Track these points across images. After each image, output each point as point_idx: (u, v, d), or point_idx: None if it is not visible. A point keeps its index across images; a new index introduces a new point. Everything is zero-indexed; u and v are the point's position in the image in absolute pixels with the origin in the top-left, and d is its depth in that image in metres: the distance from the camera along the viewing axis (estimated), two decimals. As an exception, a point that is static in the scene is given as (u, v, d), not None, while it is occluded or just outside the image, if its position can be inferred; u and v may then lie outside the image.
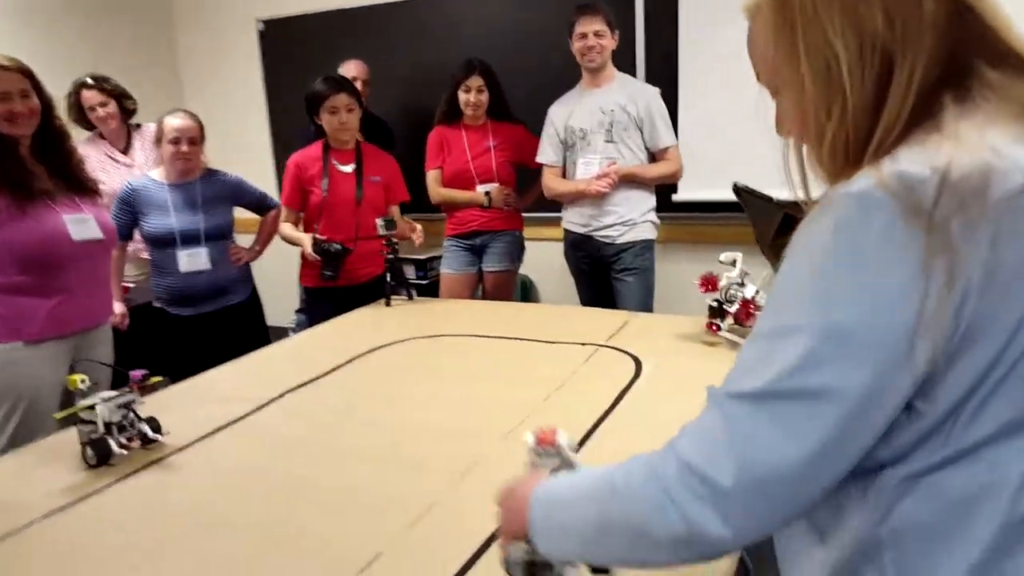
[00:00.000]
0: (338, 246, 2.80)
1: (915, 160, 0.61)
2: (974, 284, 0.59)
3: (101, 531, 1.29)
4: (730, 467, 0.62)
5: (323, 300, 2.96)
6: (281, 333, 3.05)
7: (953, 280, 0.58)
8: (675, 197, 3.54)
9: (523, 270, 3.56)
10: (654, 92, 2.98)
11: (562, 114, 3.03)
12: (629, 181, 2.92)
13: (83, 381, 1.53)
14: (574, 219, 3.07)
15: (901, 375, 0.60)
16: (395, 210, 3.06)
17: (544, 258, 3.82)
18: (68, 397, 2.17)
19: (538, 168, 3.14)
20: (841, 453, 0.62)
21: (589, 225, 3.01)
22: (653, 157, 2.98)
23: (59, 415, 1.56)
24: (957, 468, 0.63)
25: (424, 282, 3.92)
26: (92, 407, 1.51)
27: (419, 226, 2.91)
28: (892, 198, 0.59)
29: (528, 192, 3.34)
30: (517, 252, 3.36)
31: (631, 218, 2.95)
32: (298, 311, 3.97)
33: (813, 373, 0.60)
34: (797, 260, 0.65)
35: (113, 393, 1.55)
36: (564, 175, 3.08)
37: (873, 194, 0.60)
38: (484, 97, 3.16)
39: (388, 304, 2.80)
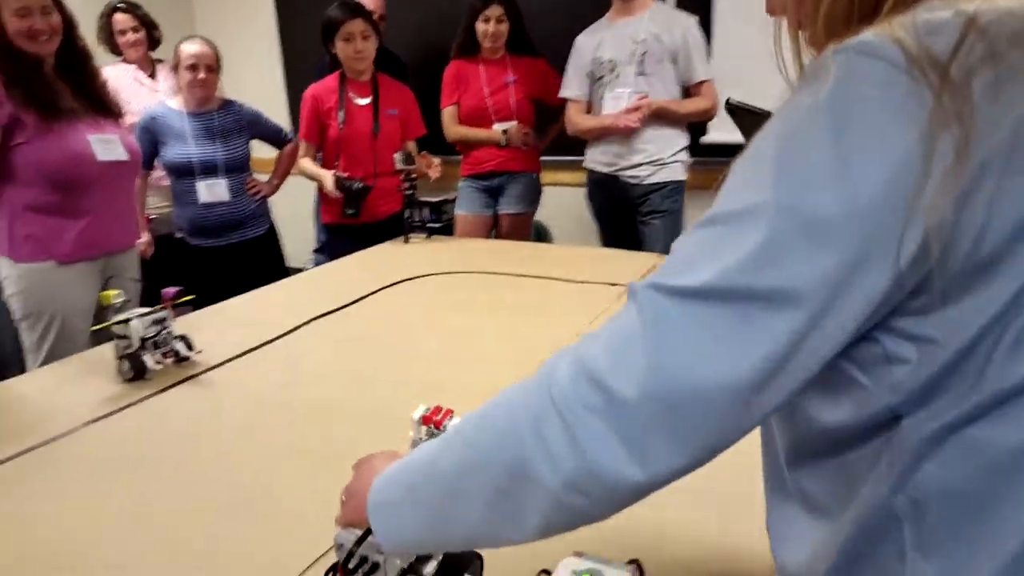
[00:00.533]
0: (360, 183, 2.78)
1: (934, 7, 0.48)
2: (993, 168, 0.45)
3: (138, 440, 1.30)
4: (638, 374, 0.48)
5: (342, 237, 2.95)
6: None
7: (964, 158, 0.45)
8: (704, 139, 3.33)
9: (538, 216, 3.51)
10: (691, 21, 2.76)
11: (590, 44, 2.86)
12: (660, 117, 2.76)
13: (117, 296, 1.54)
14: (599, 158, 2.94)
15: (877, 279, 0.47)
16: (411, 145, 3.01)
17: (560, 204, 3.79)
18: (99, 318, 2.20)
19: (559, 106, 3.08)
20: (786, 373, 0.48)
21: (615, 164, 2.87)
22: (687, 92, 2.82)
23: (95, 327, 1.57)
24: (998, 419, 0.48)
25: (437, 225, 3.89)
26: (127, 322, 1.51)
27: (436, 160, 2.87)
28: (894, 45, 0.46)
29: (547, 131, 3.28)
30: (534, 194, 3.31)
31: (660, 157, 2.79)
32: (316, 251, 3.95)
33: (768, 269, 0.47)
34: (766, 131, 0.51)
35: (147, 309, 1.55)
36: (589, 111, 2.94)
37: (871, 43, 0.47)
38: (504, 28, 3.04)
39: (407, 241, 2.79)
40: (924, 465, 0.50)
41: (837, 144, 0.46)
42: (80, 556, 0.98)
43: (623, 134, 2.78)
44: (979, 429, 0.49)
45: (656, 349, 0.48)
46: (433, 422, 0.83)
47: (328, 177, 2.81)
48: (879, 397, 0.51)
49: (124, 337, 1.53)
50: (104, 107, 2.21)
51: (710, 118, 2.93)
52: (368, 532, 0.66)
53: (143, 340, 1.53)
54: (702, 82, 2.77)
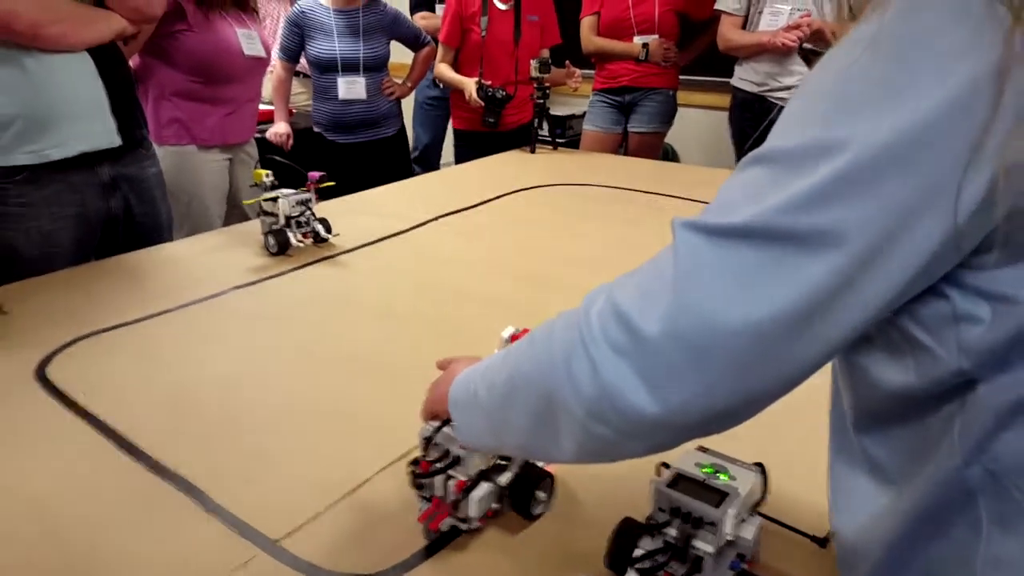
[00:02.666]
0: (503, 92, 2.79)
1: None
2: None
3: (280, 306, 1.41)
4: (663, 313, 0.47)
5: (470, 144, 2.99)
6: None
7: None
8: None
9: (668, 137, 3.42)
10: None
11: None
12: (820, 39, 2.58)
13: (267, 175, 1.63)
14: (748, 76, 2.81)
15: (931, 227, 0.42)
16: (546, 53, 2.97)
17: (691, 126, 3.69)
18: (231, 199, 2.34)
19: (704, 21, 2.96)
20: (822, 322, 0.45)
21: (765, 84, 2.74)
22: (853, 15, 2.66)
23: (248, 202, 1.68)
24: None
25: (561, 141, 3.86)
26: (275, 200, 1.61)
27: (577, 70, 2.83)
28: None
29: (689, 48, 3.17)
30: (668, 113, 3.22)
31: None
32: (413, 160, 3.94)
33: (809, 210, 0.43)
34: (824, 64, 0.48)
35: (293, 190, 1.64)
36: (744, 27, 2.81)
37: None
38: None
39: (533, 151, 2.80)
40: (1003, 435, 0.45)
41: (893, 78, 0.42)
42: (219, 398, 1.09)
43: (778, 53, 2.64)
44: None
45: (683, 289, 0.47)
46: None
47: (471, 85, 2.83)
48: (948, 360, 0.46)
49: (271, 214, 1.63)
50: (244, 3, 2.30)
51: None
52: (446, 422, 0.72)
53: (288, 218, 1.63)
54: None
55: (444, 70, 2.96)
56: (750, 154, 0.48)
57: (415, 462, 0.78)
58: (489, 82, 2.83)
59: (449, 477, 0.77)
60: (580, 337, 0.51)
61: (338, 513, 0.85)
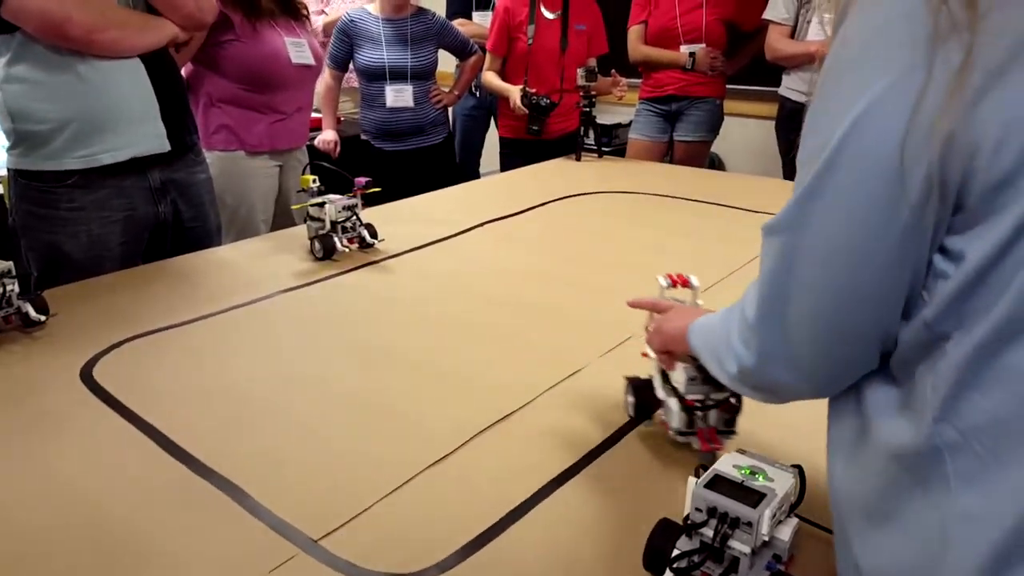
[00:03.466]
0: (547, 100, 2.78)
1: None
2: (1002, 78, 0.44)
3: (325, 310, 1.41)
4: (753, 305, 0.60)
5: (515, 152, 2.98)
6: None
7: (967, 69, 0.45)
8: None
9: (713, 147, 3.37)
10: None
11: None
12: None
13: (315, 181, 1.64)
14: (795, 86, 2.80)
15: (897, 205, 0.49)
16: (593, 62, 2.96)
17: (739, 136, 3.64)
18: (280, 205, 2.36)
19: (751, 31, 2.93)
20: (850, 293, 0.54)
21: (813, 94, 2.74)
22: None
23: (296, 206, 1.69)
24: None
25: (607, 150, 3.84)
26: (322, 205, 1.61)
27: (623, 79, 2.81)
28: None
29: (736, 57, 3.13)
30: (715, 122, 3.17)
31: None
32: None
33: (808, 202, 0.54)
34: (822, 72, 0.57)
35: (340, 196, 1.65)
36: (792, 37, 2.79)
37: None
38: None
39: (578, 159, 2.78)
40: (968, 394, 0.48)
41: (852, 74, 0.51)
42: (263, 400, 1.08)
43: None
44: (1015, 353, 0.46)
45: (757, 281, 0.60)
46: (681, 281, 1.01)
47: (516, 92, 2.82)
48: (924, 312, 0.51)
49: (318, 219, 1.64)
50: (294, 11, 2.32)
51: None
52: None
53: (334, 223, 1.63)
54: None
55: (491, 78, 2.96)
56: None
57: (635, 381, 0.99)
58: (534, 90, 2.82)
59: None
60: (730, 323, 0.66)
61: (378, 513, 0.84)
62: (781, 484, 0.66)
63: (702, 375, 0.88)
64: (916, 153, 0.47)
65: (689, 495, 0.66)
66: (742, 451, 0.72)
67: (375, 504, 0.85)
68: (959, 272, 0.48)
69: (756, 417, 0.93)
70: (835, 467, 0.60)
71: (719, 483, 0.66)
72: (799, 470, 0.70)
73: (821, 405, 0.64)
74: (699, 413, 0.90)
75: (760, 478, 0.67)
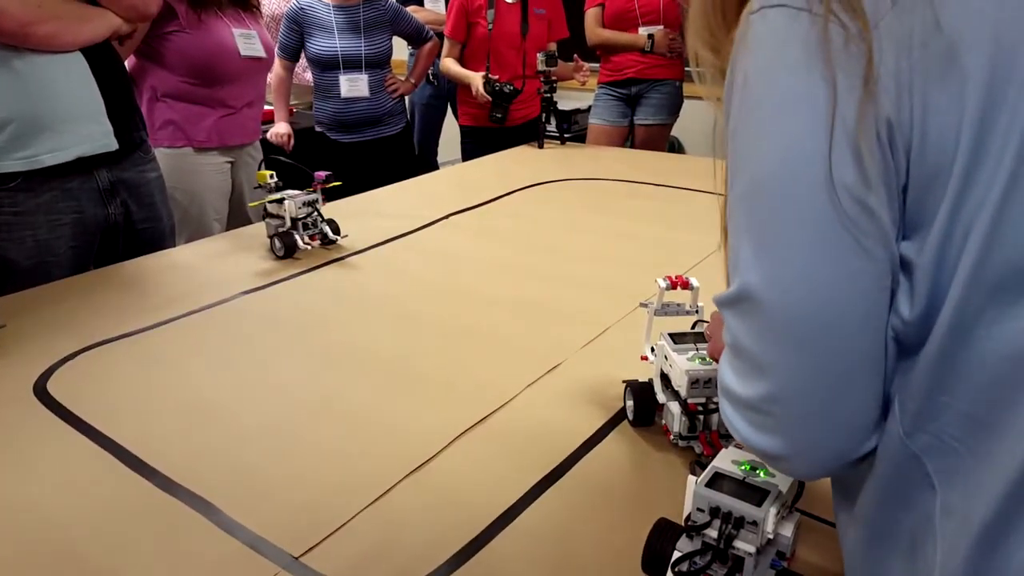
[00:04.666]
0: (510, 86, 2.74)
1: None
2: (913, 81, 0.45)
3: (290, 311, 1.35)
4: (738, 383, 0.54)
5: (476, 140, 2.94)
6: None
7: (870, 78, 0.45)
8: None
9: (673, 129, 3.37)
10: None
11: None
12: None
13: (271, 176, 1.58)
14: None
15: (854, 220, 0.47)
16: (553, 47, 2.93)
17: (698, 117, 3.63)
18: (234, 202, 2.28)
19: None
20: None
21: None
22: None
23: (253, 204, 1.63)
24: (986, 334, 0.45)
25: (567, 135, 3.81)
26: (281, 201, 1.55)
27: (585, 64, 2.78)
28: None
29: (694, 39, 3.12)
30: (675, 105, 3.17)
31: None
32: None
33: (763, 253, 0.49)
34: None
35: (299, 192, 1.59)
36: None
37: (763, 4, 0.49)
38: None
39: (541, 146, 2.75)
40: (936, 397, 0.47)
41: (764, 109, 0.49)
42: (229, 409, 1.03)
43: None
44: (976, 343, 0.45)
45: (727, 356, 0.55)
46: (681, 283, 0.98)
47: (477, 79, 2.77)
48: (891, 322, 0.49)
49: (277, 216, 1.58)
50: (246, 2, 2.23)
51: None
52: None
53: (294, 220, 1.57)
54: None
55: (450, 65, 2.90)
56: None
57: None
58: (496, 76, 2.77)
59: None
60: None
61: (360, 525, 0.80)
62: (783, 479, 0.64)
63: (706, 378, 0.86)
64: (866, 160, 0.46)
65: (690, 495, 0.64)
66: (739, 446, 0.70)
67: (356, 516, 0.81)
68: (914, 283, 0.47)
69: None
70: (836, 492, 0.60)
71: (720, 481, 0.64)
72: None
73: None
74: (701, 417, 0.88)
75: (761, 473, 0.65)
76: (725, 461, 0.67)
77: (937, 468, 0.48)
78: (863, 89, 0.45)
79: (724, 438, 0.88)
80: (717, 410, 0.87)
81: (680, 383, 0.87)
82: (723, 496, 0.62)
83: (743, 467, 0.66)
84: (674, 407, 0.89)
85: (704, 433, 0.89)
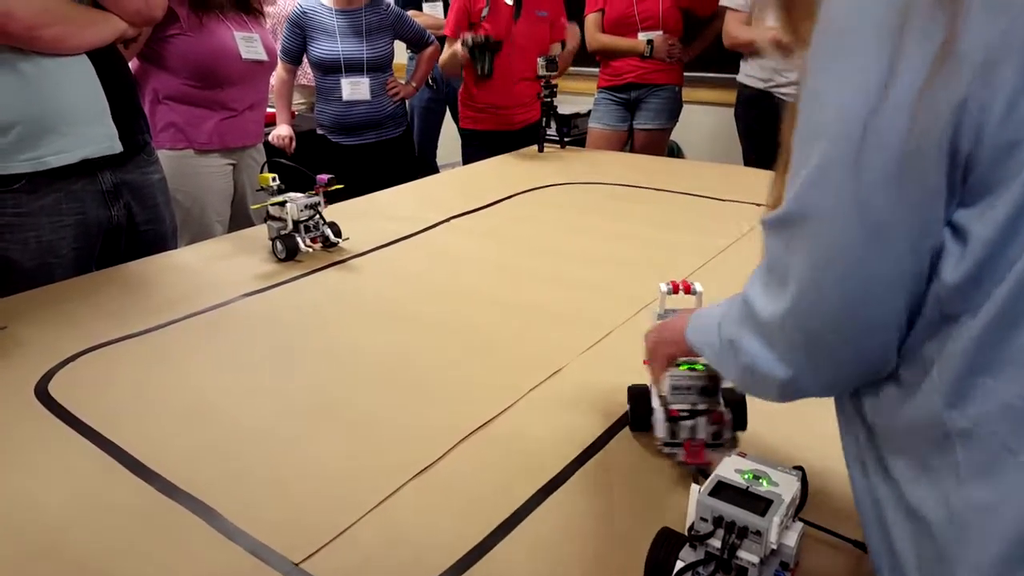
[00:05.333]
0: (488, 37, 2.65)
1: None
2: (998, 58, 0.44)
3: (292, 313, 1.36)
4: (761, 295, 0.59)
5: (476, 144, 2.94)
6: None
7: (951, 47, 0.44)
8: None
9: (673, 134, 3.37)
10: None
11: None
12: None
13: (274, 179, 1.58)
14: (754, 72, 2.81)
15: (912, 174, 0.48)
16: (556, 47, 2.93)
17: (696, 123, 3.65)
18: (236, 204, 2.28)
19: (707, 17, 2.93)
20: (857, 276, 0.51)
21: (771, 80, 2.74)
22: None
23: (256, 206, 1.63)
24: None
25: (567, 139, 3.81)
26: (283, 204, 1.56)
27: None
28: None
29: (694, 43, 3.13)
30: (674, 110, 3.17)
31: None
32: None
33: (821, 181, 0.51)
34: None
35: (301, 194, 1.59)
36: (749, 23, 2.80)
37: None
38: None
39: (541, 150, 2.75)
40: (979, 379, 0.47)
41: (846, 50, 0.49)
42: (230, 412, 1.03)
43: (784, 49, 2.60)
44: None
45: (761, 272, 0.59)
46: (684, 287, 0.96)
47: (458, 45, 2.70)
48: (932, 290, 0.50)
49: (279, 219, 1.58)
50: (247, 4, 2.23)
51: None
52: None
53: (296, 223, 1.58)
54: None
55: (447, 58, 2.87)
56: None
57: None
58: (469, 34, 2.69)
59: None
60: (731, 318, 0.64)
61: (361, 531, 0.80)
62: (786, 488, 0.64)
63: (688, 383, 0.86)
64: (925, 123, 0.46)
65: (693, 504, 0.64)
66: (742, 454, 0.70)
67: (358, 521, 0.81)
68: (967, 251, 0.47)
69: (751, 419, 0.91)
70: (853, 475, 0.60)
71: (724, 490, 0.64)
72: (801, 472, 0.68)
73: (815, 405, 0.63)
74: (684, 423, 0.88)
75: (764, 483, 0.65)
76: (728, 470, 0.67)
77: (969, 458, 0.47)
78: (939, 57, 0.44)
79: (711, 447, 0.88)
80: (702, 414, 0.88)
81: (664, 388, 0.87)
82: (726, 505, 0.62)
83: (746, 476, 0.66)
84: (659, 412, 0.90)
85: (689, 441, 0.88)
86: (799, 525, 0.65)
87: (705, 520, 0.63)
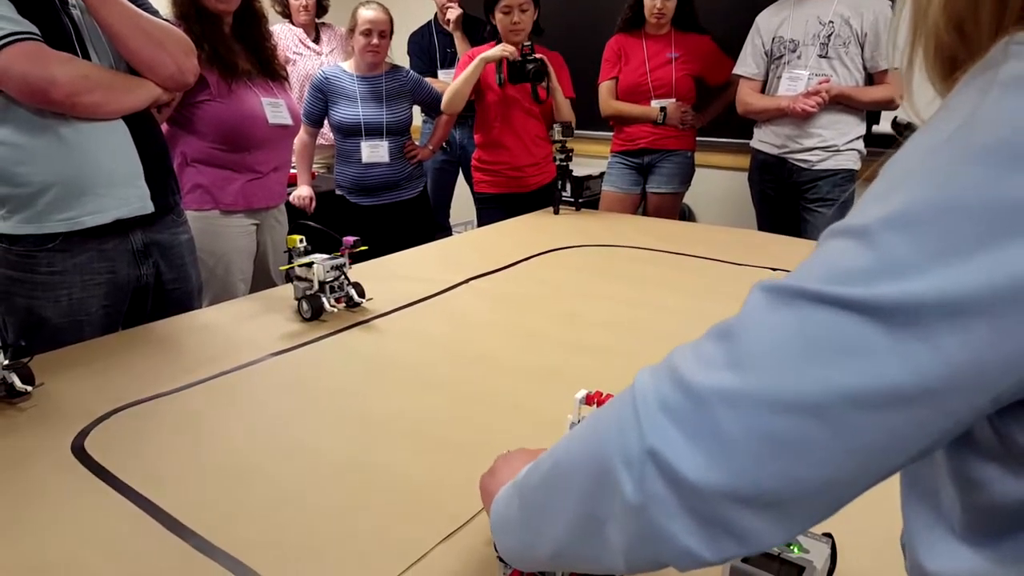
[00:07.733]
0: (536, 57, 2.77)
1: None
2: None
3: (319, 373, 1.38)
4: (718, 366, 0.43)
5: (491, 206, 3.01)
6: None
7: None
8: (877, 128, 3.02)
9: (686, 197, 3.42)
10: (885, 4, 2.57)
11: (772, 23, 2.77)
12: (838, 103, 2.64)
13: (301, 240, 1.62)
14: (767, 139, 2.85)
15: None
16: (570, 118, 3.00)
17: (709, 187, 3.70)
18: (258, 265, 2.33)
19: (720, 85, 3.02)
20: (888, 409, 0.40)
21: (785, 147, 2.77)
22: (870, 79, 2.66)
23: (283, 267, 1.67)
24: None
25: (579, 201, 3.87)
26: (310, 265, 1.60)
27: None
28: None
29: (707, 110, 3.21)
30: (686, 174, 3.23)
31: (834, 143, 2.66)
32: None
33: (878, 279, 0.39)
34: (912, 140, 0.43)
35: (327, 255, 1.63)
36: (762, 91, 2.86)
37: None
38: (672, 4, 2.97)
39: (556, 212, 2.80)
40: None
41: (998, 174, 0.37)
42: (263, 470, 1.05)
43: (798, 117, 2.68)
44: None
45: (739, 339, 0.43)
46: (597, 402, 0.83)
47: (496, 48, 2.81)
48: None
49: (305, 279, 1.62)
50: (273, 71, 2.31)
51: (892, 108, 2.77)
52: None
53: (322, 283, 1.61)
54: (887, 69, 2.60)
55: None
56: (829, 228, 0.45)
57: None
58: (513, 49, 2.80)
59: None
60: (632, 402, 0.48)
61: (397, 595, 0.81)
62: (817, 555, 0.66)
63: None
64: None
65: (726, 569, 0.65)
66: None
67: (393, 582, 0.82)
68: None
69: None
70: (922, 554, 0.50)
71: (757, 556, 0.65)
72: (831, 540, 0.69)
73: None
74: None
75: (796, 549, 0.66)
76: None
77: None
78: None
79: None
80: None
81: None
82: (760, 572, 0.64)
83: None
84: None
85: None
86: None
87: None
